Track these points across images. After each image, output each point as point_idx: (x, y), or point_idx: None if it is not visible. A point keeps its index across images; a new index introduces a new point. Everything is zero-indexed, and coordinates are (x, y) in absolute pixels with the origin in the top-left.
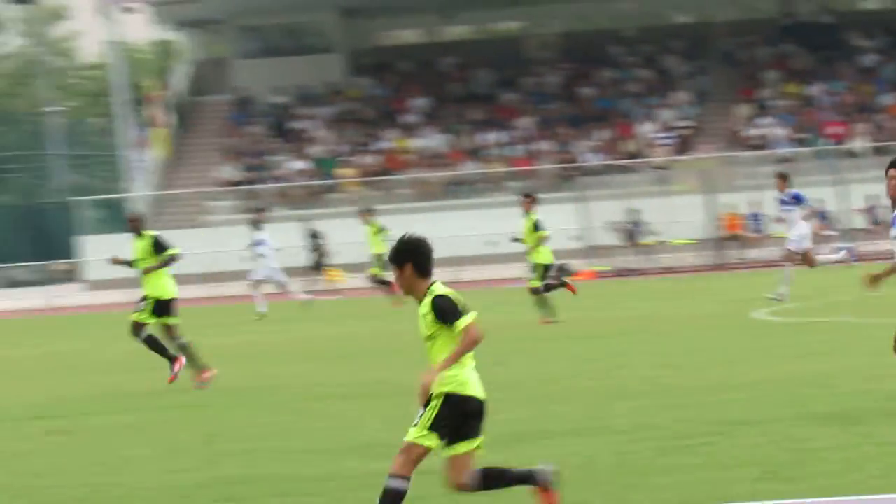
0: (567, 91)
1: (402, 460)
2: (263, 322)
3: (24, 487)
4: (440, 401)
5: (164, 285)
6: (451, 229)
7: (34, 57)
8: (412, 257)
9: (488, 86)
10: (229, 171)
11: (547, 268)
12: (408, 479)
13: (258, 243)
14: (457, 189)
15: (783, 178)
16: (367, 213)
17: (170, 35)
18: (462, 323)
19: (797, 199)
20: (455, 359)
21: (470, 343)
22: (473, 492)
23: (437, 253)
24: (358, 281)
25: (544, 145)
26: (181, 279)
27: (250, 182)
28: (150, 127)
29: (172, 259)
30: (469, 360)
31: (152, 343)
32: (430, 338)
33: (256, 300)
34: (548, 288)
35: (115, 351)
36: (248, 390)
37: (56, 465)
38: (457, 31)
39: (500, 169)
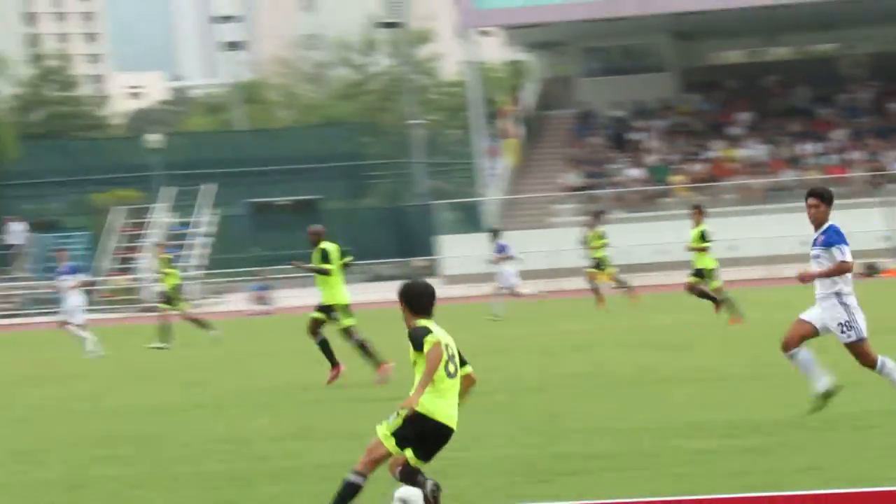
0: (877, 106)
1: (366, 459)
2: (585, 314)
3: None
4: (405, 415)
5: (339, 292)
6: (770, 231)
7: (400, 75)
8: (405, 299)
9: (806, 101)
10: (572, 178)
11: (708, 272)
12: (366, 476)
13: (501, 249)
14: (776, 195)
15: None
16: (594, 219)
17: (520, 56)
18: (424, 348)
19: None
20: (425, 382)
21: (429, 365)
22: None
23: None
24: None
25: (856, 155)
26: (529, 274)
27: (590, 188)
28: (502, 138)
29: (346, 265)
30: (447, 391)
31: (324, 346)
32: (414, 363)
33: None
34: (701, 293)
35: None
36: (583, 376)
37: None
38: (778, 52)
39: (816, 176)
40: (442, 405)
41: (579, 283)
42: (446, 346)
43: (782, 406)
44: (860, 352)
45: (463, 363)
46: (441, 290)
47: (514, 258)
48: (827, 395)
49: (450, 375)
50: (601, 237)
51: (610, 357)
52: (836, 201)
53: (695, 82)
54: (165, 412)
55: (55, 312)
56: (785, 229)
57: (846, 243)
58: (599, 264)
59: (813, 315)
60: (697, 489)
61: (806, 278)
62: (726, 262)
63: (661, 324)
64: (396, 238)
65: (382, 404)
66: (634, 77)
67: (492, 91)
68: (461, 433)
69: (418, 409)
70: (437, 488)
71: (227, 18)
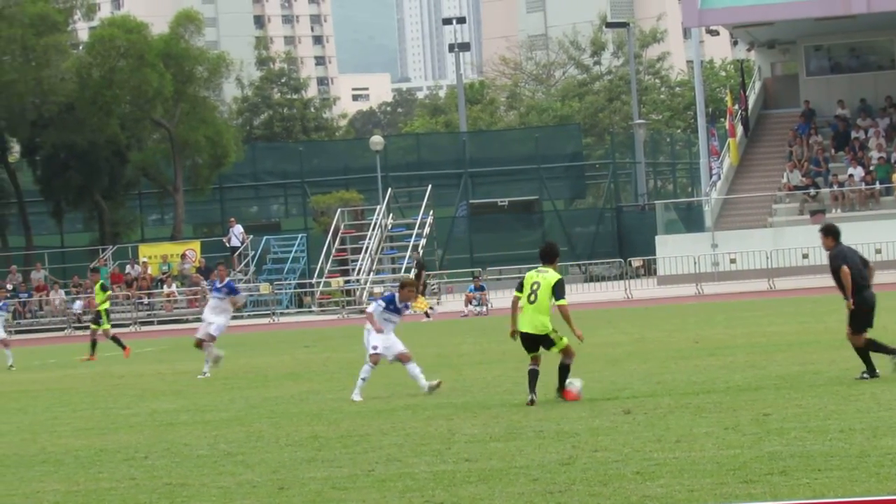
0: None
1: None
2: (793, 313)
3: (591, 461)
4: None
5: None
6: None
7: (626, 75)
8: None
9: None
10: (793, 177)
11: None
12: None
13: None
14: None
15: None
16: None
17: (745, 55)
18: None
19: None
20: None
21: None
22: None
23: None
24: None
25: None
26: (746, 274)
27: (812, 187)
28: (725, 137)
29: None
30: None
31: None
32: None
33: None
34: None
35: (681, 338)
36: (793, 375)
37: (622, 441)
38: None
39: None
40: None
41: (795, 282)
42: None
43: None
44: None
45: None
46: (657, 290)
47: None
48: None
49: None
50: None
51: (819, 357)
52: None
53: None
54: (371, 413)
55: (271, 314)
56: None
57: None
58: None
59: None
60: None
61: None
62: None
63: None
64: (615, 238)
65: (592, 405)
66: (860, 75)
67: (717, 90)
68: (667, 434)
69: None
70: None
71: (455, 20)
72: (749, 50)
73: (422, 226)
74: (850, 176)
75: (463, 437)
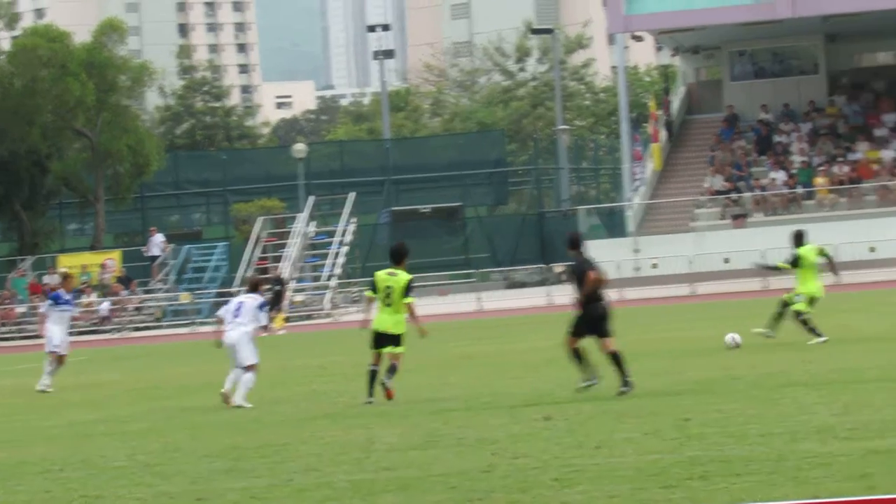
0: None
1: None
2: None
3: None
4: None
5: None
6: None
7: (550, 81)
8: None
9: None
10: (715, 182)
11: None
12: None
13: None
14: None
15: None
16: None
17: (670, 60)
18: None
19: None
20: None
21: None
22: None
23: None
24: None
25: None
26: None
27: (734, 191)
28: (648, 143)
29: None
30: None
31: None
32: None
33: None
34: None
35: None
36: (712, 381)
37: (542, 448)
38: None
39: None
40: None
41: (716, 287)
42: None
43: None
44: None
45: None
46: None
47: None
48: None
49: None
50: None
51: (739, 361)
52: None
53: (842, 84)
54: (289, 423)
55: (191, 323)
56: None
57: None
58: None
59: None
60: (822, 492)
61: None
62: (866, 265)
63: (791, 326)
64: (537, 244)
65: (512, 411)
66: (783, 80)
67: (641, 96)
68: (587, 440)
69: None
70: None
71: (379, 27)
72: (673, 55)
73: (344, 233)
74: (773, 180)
75: (382, 445)
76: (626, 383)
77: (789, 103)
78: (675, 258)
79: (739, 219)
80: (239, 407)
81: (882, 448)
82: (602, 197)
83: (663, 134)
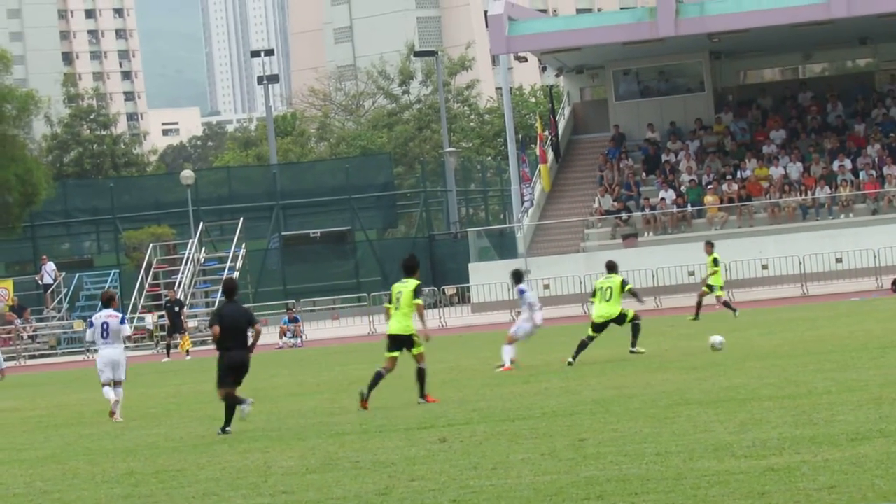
0: None
1: None
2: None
3: (407, 490)
4: None
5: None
6: (802, 249)
7: (436, 104)
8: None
9: (840, 117)
10: (604, 202)
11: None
12: None
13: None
14: (809, 212)
15: None
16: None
17: (555, 81)
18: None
19: None
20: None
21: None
22: None
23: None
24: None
25: (890, 170)
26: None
27: (623, 211)
28: (536, 164)
29: None
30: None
31: None
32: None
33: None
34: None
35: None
36: (607, 400)
37: (438, 470)
38: (813, 68)
39: (850, 193)
40: None
41: None
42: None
43: (807, 425)
44: None
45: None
46: (472, 318)
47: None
48: None
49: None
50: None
51: (634, 380)
52: (870, 217)
53: (730, 101)
54: (187, 448)
55: (85, 351)
56: (818, 247)
57: None
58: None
59: None
60: None
61: None
62: (757, 282)
63: (688, 345)
64: (428, 267)
65: (408, 434)
66: (669, 98)
67: (526, 116)
68: (483, 462)
69: None
70: None
71: (263, 53)
72: (558, 76)
73: (234, 259)
74: (662, 199)
75: (279, 469)
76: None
77: (676, 121)
78: (566, 279)
79: (630, 238)
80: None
81: (779, 465)
82: (491, 219)
83: (550, 154)
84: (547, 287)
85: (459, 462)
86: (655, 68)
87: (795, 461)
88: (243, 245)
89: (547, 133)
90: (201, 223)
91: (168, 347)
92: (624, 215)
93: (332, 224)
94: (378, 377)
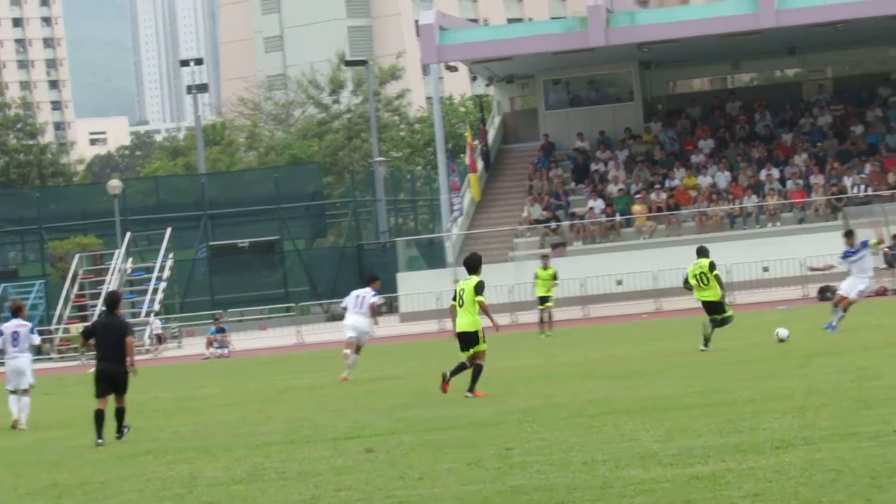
0: (839, 129)
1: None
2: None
3: (334, 500)
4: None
5: None
6: (729, 258)
7: (365, 113)
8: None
9: (768, 127)
10: (534, 211)
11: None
12: None
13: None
14: (737, 221)
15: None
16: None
17: (485, 90)
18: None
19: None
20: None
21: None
22: None
23: None
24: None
25: (817, 179)
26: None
27: (552, 220)
28: (465, 173)
29: None
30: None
31: None
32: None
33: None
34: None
35: (423, 377)
36: (534, 409)
37: (365, 480)
38: (742, 78)
39: (778, 202)
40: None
41: (536, 315)
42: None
43: (732, 433)
44: None
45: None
46: (400, 328)
47: None
48: None
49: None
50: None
51: (561, 389)
52: (796, 226)
53: (659, 111)
54: (111, 460)
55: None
56: (746, 256)
57: None
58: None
59: None
60: None
61: None
62: (685, 290)
63: (615, 354)
64: (357, 276)
65: (335, 444)
66: (599, 108)
67: (456, 126)
68: (410, 472)
69: None
70: None
71: (192, 62)
72: (488, 85)
73: (162, 269)
74: (591, 208)
75: (205, 480)
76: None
77: (605, 131)
78: (495, 288)
79: (559, 247)
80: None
81: (704, 474)
82: (421, 228)
83: (480, 164)
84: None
85: (386, 472)
86: (585, 78)
87: (720, 469)
88: (171, 255)
89: (477, 142)
90: (128, 233)
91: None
92: (553, 224)
93: (260, 234)
94: (461, 367)
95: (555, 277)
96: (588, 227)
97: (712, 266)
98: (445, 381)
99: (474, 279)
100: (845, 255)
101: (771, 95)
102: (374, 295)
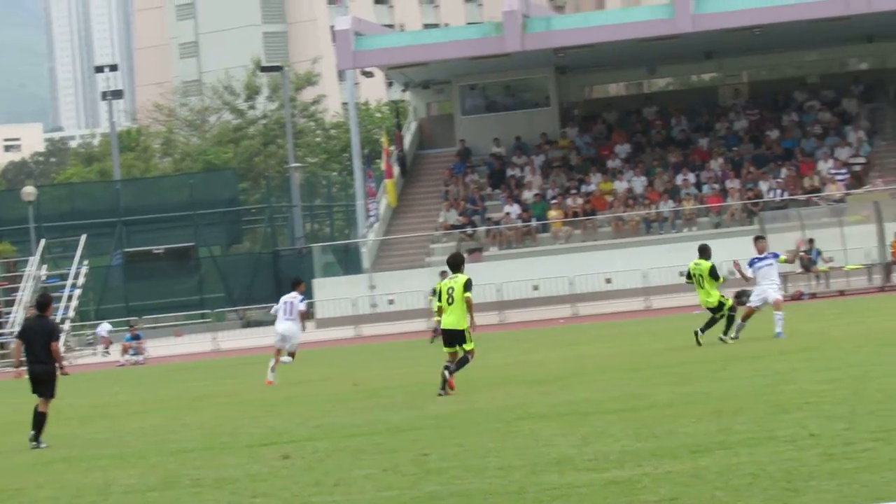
0: (755, 134)
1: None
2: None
3: None
4: None
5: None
6: (646, 262)
7: (281, 119)
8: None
9: (684, 131)
10: (450, 216)
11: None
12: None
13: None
14: (653, 226)
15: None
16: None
17: (402, 96)
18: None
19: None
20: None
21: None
22: None
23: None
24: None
25: (733, 184)
26: (407, 314)
27: (468, 225)
28: (381, 179)
29: None
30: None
31: None
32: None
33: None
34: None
35: (343, 382)
36: (452, 414)
37: (281, 486)
38: (659, 83)
39: (691, 206)
40: None
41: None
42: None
43: (649, 437)
44: None
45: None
46: (316, 334)
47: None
48: None
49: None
50: None
51: (479, 395)
52: (713, 230)
53: (575, 116)
54: (25, 467)
55: None
56: (662, 260)
57: None
58: None
59: None
60: None
61: None
62: (602, 295)
63: (531, 359)
64: (272, 283)
65: (251, 450)
66: (515, 113)
67: (372, 131)
68: (326, 478)
69: None
70: None
71: (107, 68)
72: (404, 90)
73: (76, 276)
74: (507, 214)
75: (119, 487)
76: None
77: (521, 136)
78: (411, 294)
79: (475, 253)
80: None
81: (621, 478)
82: (337, 234)
83: (397, 169)
84: (392, 302)
85: (302, 479)
86: (501, 83)
87: (637, 474)
88: (86, 262)
89: (393, 148)
90: (43, 240)
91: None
92: (469, 230)
93: (175, 240)
94: (447, 370)
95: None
96: (504, 233)
97: (713, 274)
98: (449, 379)
99: (462, 277)
100: (752, 263)
101: (687, 100)
102: (302, 300)
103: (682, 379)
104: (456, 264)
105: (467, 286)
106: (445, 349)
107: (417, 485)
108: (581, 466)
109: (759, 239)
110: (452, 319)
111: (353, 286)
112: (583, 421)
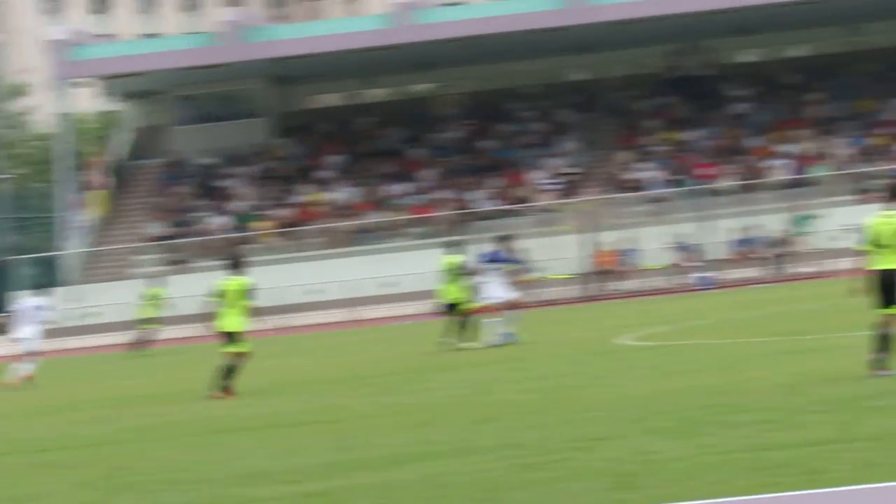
0: (469, 144)
1: None
2: (147, 367)
3: None
4: None
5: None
6: (355, 273)
7: None
8: None
9: (398, 142)
10: (156, 228)
11: None
12: None
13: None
14: (362, 236)
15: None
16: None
17: (117, 106)
18: None
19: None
20: None
21: None
22: None
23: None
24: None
25: (444, 194)
26: (108, 327)
27: (175, 237)
28: (89, 190)
29: None
30: None
31: None
32: None
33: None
34: None
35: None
36: (148, 428)
37: None
38: (375, 93)
39: (401, 217)
40: None
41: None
42: None
43: (347, 449)
44: None
45: None
46: (11, 347)
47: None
48: None
49: None
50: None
51: (176, 409)
52: (419, 241)
53: (289, 127)
54: None
55: None
56: (371, 271)
57: None
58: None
59: None
60: None
61: None
62: (311, 307)
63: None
64: None
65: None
66: (227, 124)
67: (83, 143)
68: (19, 494)
69: None
70: None
71: None
72: (119, 101)
73: None
74: (214, 225)
75: None
76: None
77: (234, 147)
78: (117, 306)
79: (179, 265)
80: None
81: (317, 491)
82: (42, 246)
83: (107, 181)
84: (97, 314)
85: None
86: (216, 94)
87: (333, 486)
88: None
89: (103, 159)
90: None
91: None
92: (176, 241)
93: None
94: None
95: (159, 297)
96: (211, 244)
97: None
98: (228, 391)
99: (241, 279)
100: (488, 259)
101: (403, 111)
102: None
103: (382, 390)
104: (235, 264)
105: (248, 293)
106: (222, 350)
107: (110, 500)
108: (278, 479)
109: (504, 239)
110: (230, 321)
111: (58, 298)
112: (282, 433)
